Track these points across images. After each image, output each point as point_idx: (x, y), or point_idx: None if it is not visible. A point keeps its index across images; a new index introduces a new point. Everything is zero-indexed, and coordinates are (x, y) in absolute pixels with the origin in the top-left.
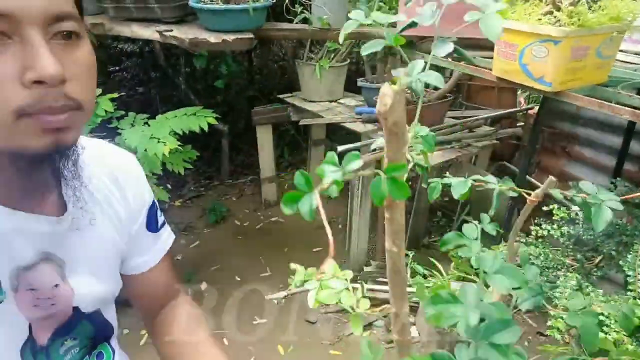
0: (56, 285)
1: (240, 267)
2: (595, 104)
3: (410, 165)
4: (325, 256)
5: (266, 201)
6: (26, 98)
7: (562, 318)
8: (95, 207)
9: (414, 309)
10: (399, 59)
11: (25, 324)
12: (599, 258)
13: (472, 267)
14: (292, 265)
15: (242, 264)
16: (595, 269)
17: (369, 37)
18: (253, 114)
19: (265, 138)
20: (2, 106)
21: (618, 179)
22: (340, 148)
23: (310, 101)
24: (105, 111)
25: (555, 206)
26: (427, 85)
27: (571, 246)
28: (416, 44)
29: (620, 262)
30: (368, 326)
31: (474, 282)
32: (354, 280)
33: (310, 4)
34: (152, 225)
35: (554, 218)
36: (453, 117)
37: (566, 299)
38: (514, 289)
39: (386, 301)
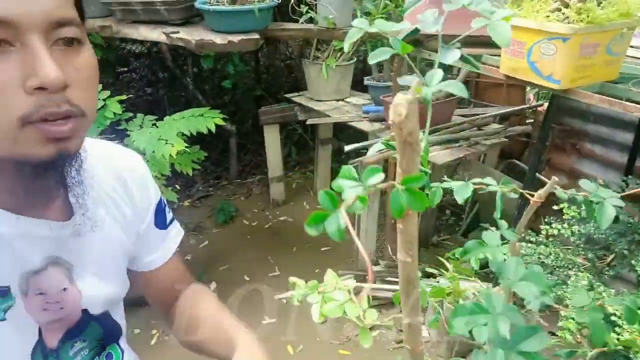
0: (64, 289)
1: (249, 267)
2: (605, 102)
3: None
4: (334, 256)
5: (274, 200)
6: (29, 105)
7: (572, 319)
8: (101, 209)
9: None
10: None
11: (35, 328)
12: (611, 257)
13: (472, 268)
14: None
15: (251, 264)
16: (607, 268)
17: (375, 36)
18: (260, 114)
19: (272, 137)
20: (6, 113)
21: (629, 176)
22: (347, 147)
23: (317, 100)
24: (114, 113)
25: (566, 205)
26: None
27: (582, 245)
28: (423, 43)
29: (633, 261)
30: (378, 326)
31: (475, 282)
32: (362, 280)
33: (316, 4)
34: (160, 223)
35: (564, 217)
36: (461, 115)
37: (569, 297)
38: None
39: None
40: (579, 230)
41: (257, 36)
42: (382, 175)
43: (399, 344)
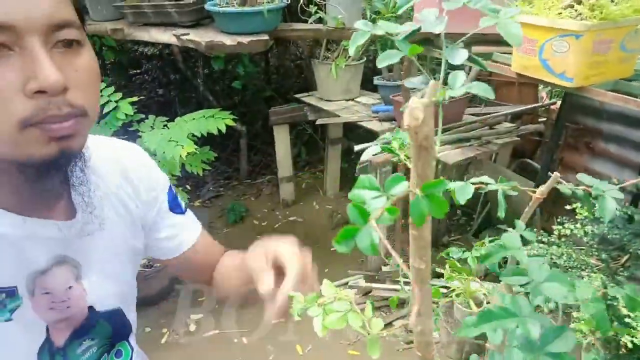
0: (70, 287)
1: None
2: (620, 100)
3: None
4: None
5: (284, 200)
6: (29, 108)
7: (584, 320)
8: (107, 207)
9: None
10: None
11: (42, 327)
12: (625, 257)
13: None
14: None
15: None
16: (621, 269)
17: (383, 34)
18: (270, 114)
19: (282, 138)
20: (6, 118)
21: None
22: (357, 147)
23: (327, 100)
24: (126, 115)
25: (578, 205)
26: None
27: (595, 245)
28: (433, 41)
29: None
30: (388, 325)
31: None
32: (372, 280)
33: (325, 4)
34: (176, 208)
35: (577, 217)
36: (472, 114)
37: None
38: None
39: (400, 301)
40: (592, 231)
41: (266, 37)
42: (405, 184)
43: (408, 344)
